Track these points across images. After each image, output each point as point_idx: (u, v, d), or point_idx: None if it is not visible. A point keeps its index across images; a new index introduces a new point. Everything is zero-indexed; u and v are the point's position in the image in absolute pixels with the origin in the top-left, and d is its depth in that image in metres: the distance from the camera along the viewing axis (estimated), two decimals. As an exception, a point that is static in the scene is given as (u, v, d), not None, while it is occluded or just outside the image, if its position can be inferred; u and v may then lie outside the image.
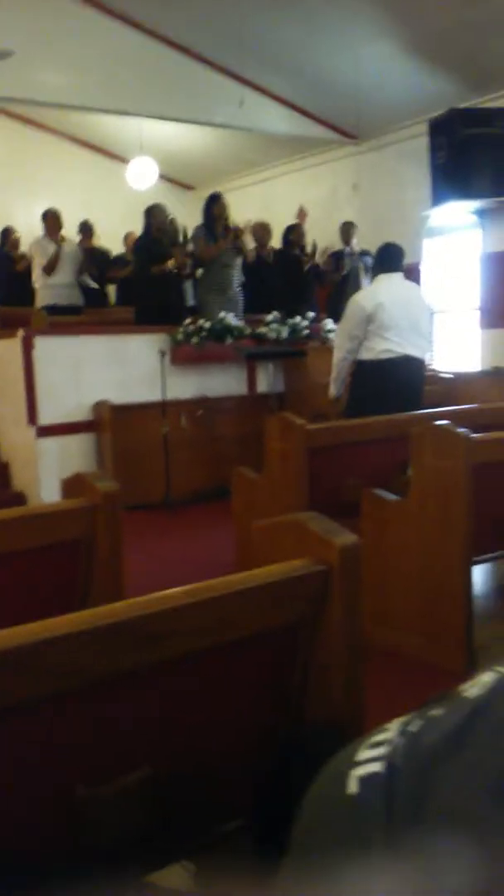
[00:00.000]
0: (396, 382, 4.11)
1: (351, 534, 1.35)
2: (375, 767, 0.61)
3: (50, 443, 5.27)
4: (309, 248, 6.84)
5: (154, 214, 6.07)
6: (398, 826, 0.55)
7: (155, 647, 1.14)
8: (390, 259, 4.26)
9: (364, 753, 0.64)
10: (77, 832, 1.17)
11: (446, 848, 0.45)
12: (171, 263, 5.97)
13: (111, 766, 1.20)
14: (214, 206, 6.03)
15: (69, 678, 1.07)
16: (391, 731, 0.63)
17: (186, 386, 5.70)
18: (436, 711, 0.60)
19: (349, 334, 4.21)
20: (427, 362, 4.39)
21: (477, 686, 0.57)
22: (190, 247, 6.22)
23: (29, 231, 7.50)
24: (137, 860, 1.31)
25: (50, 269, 6.74)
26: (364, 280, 6.58)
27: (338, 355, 4.31)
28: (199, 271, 6.23)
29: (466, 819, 0.48)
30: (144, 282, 6.09)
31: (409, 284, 4.37)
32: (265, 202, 8.93)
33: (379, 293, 4.17)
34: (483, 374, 6.43)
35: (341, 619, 1.31)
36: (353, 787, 0.63)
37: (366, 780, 0.62)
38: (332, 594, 1.31)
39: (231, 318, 5.84)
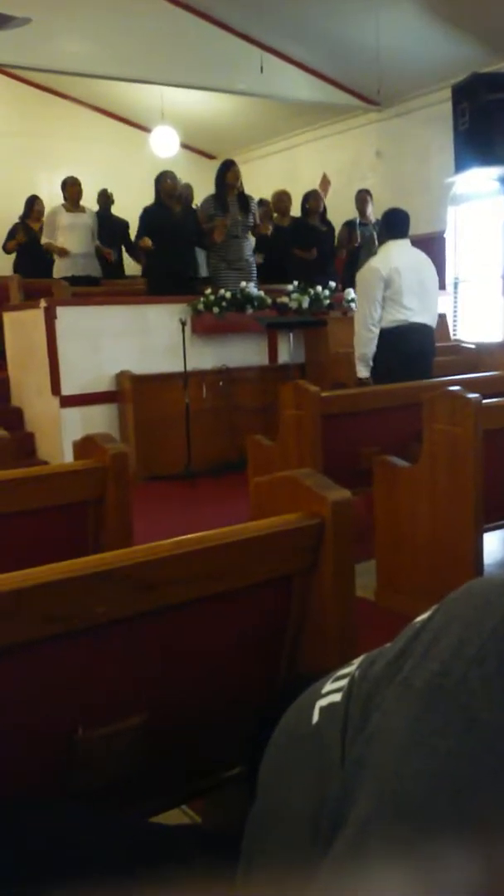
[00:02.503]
0: (411, 350, 4.09)
1: (344, 490, 1.38)
2: (335, 698, 0.65)
3: (73, 413, 5.35)
4: (335, 220, 6.80)
5: (163, 182, 6.04)
6: (347, 751, 0.59)
7: (149, 594, 1.18)
8: (398, 224, 4.17)
9: (328, 686, 0.68)
10: (74, 772, 1.23)
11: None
12: (143, 243, 5.97)
13: (109, 709, 1.25)
14: (227, 173, 6.00)
15: (66, 622, 1.13)
16: (354, 664, 0.67)
17: (207, 356, 5.74)
18: (389, 644, 0.64)
19: (370, 302, 4.07)
20: (434, 329, 4.32)
21: (425, 615, 0.61)
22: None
23: (50, 201, 7.54)
24: (135, 803, 1.37)
25: (48, 249, 6.81)
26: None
27: (361, 330, 4.14)
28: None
29: (395, 733, 0.51)
30: (154, 251, 6.07)
31: (417, 251, 4.28)
32: (287, 170, 8.87)
33: (392, 258, 4.10)
34: (506, 344, 6.37)
35: (333, 572, 1.35)
36: (315, 716, 0.67)
37: (325, 710, 0.66)
38: (324, 547, 1.35)
39: (252, 288, 5.85)
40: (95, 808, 1.23)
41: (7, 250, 7.57)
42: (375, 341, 4.10)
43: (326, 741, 0.63)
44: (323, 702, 0.67)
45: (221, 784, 1.48)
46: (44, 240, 6.83)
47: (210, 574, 1.23)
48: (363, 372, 4.15)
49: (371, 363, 4.15)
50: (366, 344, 4.11)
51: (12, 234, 7.59)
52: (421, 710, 0.49)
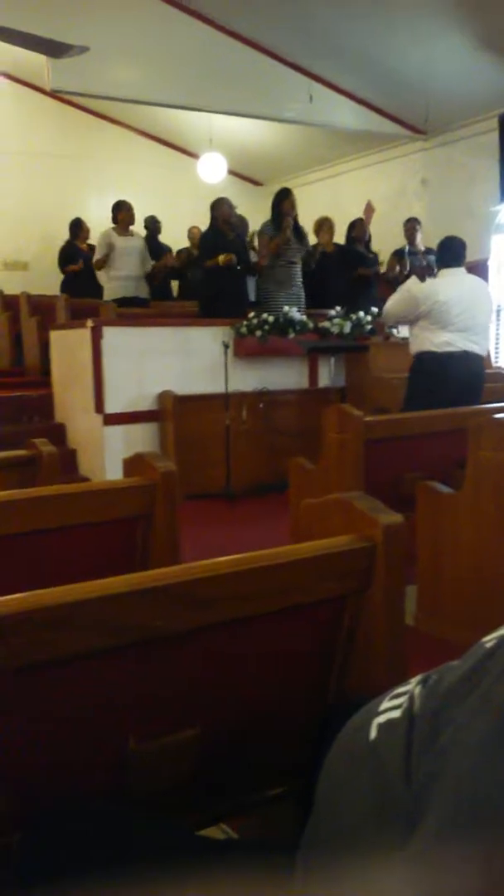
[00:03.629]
0: (455, 377, 4.10)
1: (396, 514, 1.40)
2: (394, 714, 0.67)
3: (115, 430, 5.42)
4: (380, 249, 6.86)
5: (219, 207, 6.13)
6: (414, 765, 0.61)
7: (205, 610, 1.21)
8: (451, 253, 4.23)
9: (385, 704, 0.70)
10: (124, 783, 1.25)
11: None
12: (222, 259, 6.01)
13: (161, 723, 1.27)
14: (284, 202, 6.08)
15: (120, 635, 1.15)
16: (412, 683, 0.69)
17: (248, 378, 5.78)
18: (455, 662, 0.65)
19: (398, 308, 4.34)
20: (486, 358, 4.37)
21: (495, 635, 0.62)
22: (255, 242, 6.30)
23: (99, 224, 7.70)
24: (179, 816, 1.38)
25: (99, 266, 6.94)
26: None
27: (387, 309, 4.50)
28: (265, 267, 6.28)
29: (473, 746, 0.53)
30: (207, 275, 6.17)
31: (472, 278, 4.33)
32: (333, 198, 8.95)
33: (438, 291, 4.15)
34: (549, 373, 6.31)
35: (385, 596, 1.36)
36: (373, 733, 0.68)
37: (383, 726, 0.67)
38: (376, 570, 1.36)
39: (294, 312, 5.90)
40: (141, 815, 1.24)
41: (65, 272, 7.70)
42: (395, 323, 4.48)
43: (385, 756, 0.65)
44: (381, 719, 0.68)
45: (263, 803, 1.49)
46: (98, 256, 6.97)
47: (264, 592, 1.26)
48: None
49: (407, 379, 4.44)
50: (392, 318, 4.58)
51: (70, 255, 7.72)
52: (501, 725, 0.51)
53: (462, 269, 4.26)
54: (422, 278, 4.08)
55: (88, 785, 1.25)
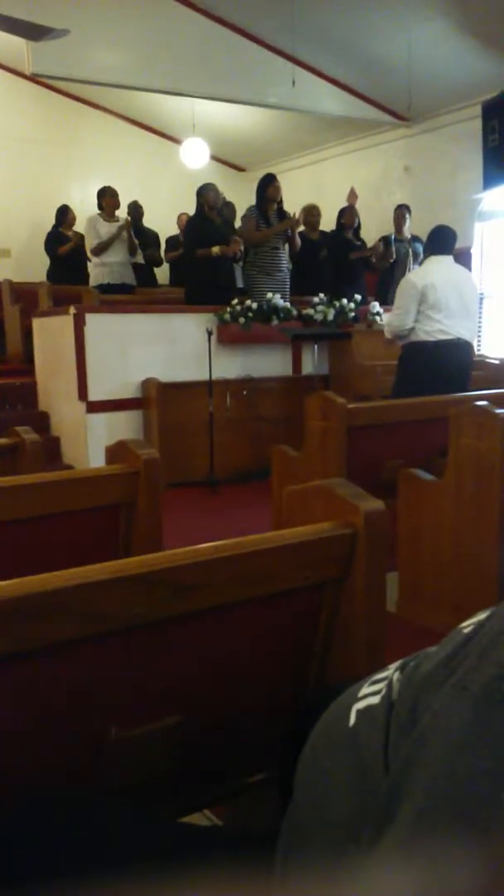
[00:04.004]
0: (447, 364, 4.15)
1: (377, 500, 1.41)
2: (373, 700, 0.67)
3: (99, 418, 5.41)
4: (363, 235, 6.84)
5: (205, 194, 6.10)
6: (392, 752, 0.61)
7: (184, 597, 1.21)
8: (441, 241, 4.27)
9: (364, 690, 0.70)
10: (105, 771, 1.26)
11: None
12: (215, 250, 5.99)
13: (142, 710, 1.28)
14: (269, 188, 6.06)
15: (101, 623, 1.15)
16: (391, 668, 0.69)
17: (232, 366, 5.78)
18: (433, 648, 0.66)
19: (403, 312, 4.22)
20: (475, 345, 4.41)
21: (473, 621, 0.63)
22: (239, 228, 6.27)
23: (82, 210, 7.64)
24: (161, 804, 1.39)
25: (99, 251, 6.88)
26: (413, 266, 6.56)
27: (388, 328, 4.37)
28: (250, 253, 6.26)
29: (450, 733, 0.54)
30: (194, 262, 6.14)
31: (459, 268, 4.38)
32: (316, 183, 8.93)
33: (430, 273, 4.20)
34: (531, 360, 6.36)
35: (365, 582, 1.37)
36: (352, 719, 0.69)
37: (362, 712, 0.68)
38: (357, 557, 1.37)
39: (278, 300, 5.89)
40: (121, 804, 1.25)
41: (61, 255, 7.61)
42: (400, 335, 4.33)
43: (363, 741, 0.65)
44: (360, 704, 0.69)
45: (245, 789, 1.51)
46: (92, 244, 6.92)
47: (247, 578, 1.26)
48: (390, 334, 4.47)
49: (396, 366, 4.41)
50: (393, 332, 4.38)
51: (58, 239, 7.64)
52: (478, 712, 0.52)
53: (450, 258, 4.29)
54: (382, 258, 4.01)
55: (69, 775, 1.26)
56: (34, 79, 8.04)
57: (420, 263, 4.54)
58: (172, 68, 6.87)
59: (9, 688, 1.12)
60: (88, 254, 7.09)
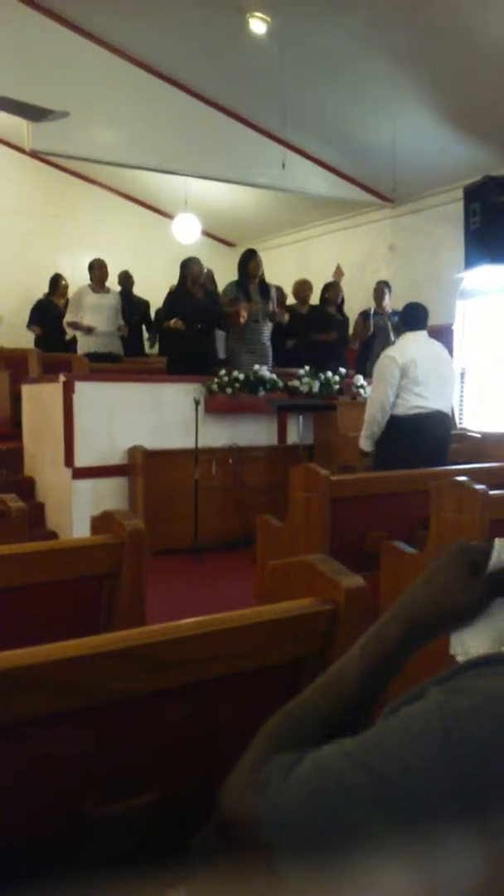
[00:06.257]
0: (427, 437, 4.22)
1: (358, 577, 1.43)
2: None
3: (84, 484, 5.42)
4: (347, 311, 7.03)
5: (190, 267, 6.25)
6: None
7: (165, 673, 1.22)
8: (415, 318, 4.41)
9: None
10: (80, 849, 1.24)
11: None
12: (172, 324, 6.08)
13: (120, 787, 1.27)
14: (250, 263, 6.23)
15: (79, 698, 1.16)
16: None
17: (218, 434, 5.84)
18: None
19: (385, 386, 4.27)
20: (452, 415, 4.50)
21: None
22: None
23: (74, 280, 7.81)
24: (141, 880, 1.37)
25: (71, 327, 7.06)
26: (394, 338, 6.73)
27: (370, 411, 4.37)
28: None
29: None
30: (170, 333, 6.25)
31: (433, 342, 4.50)
32: (303, 260, 9.18)
33: (409, 349, 4.30)
34: (512, 434, 6.47)
35: (344, 657, 1.38)
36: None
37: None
38: (337, 633, 1.39)
39: (265, 371, 6.00)
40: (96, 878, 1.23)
41: (33, 331, 7.82)
42: (383, 425, 4.32)
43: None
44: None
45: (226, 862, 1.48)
46: (69, 317, 7.05)
47: (227, 655, 1.27)
48: (367, 447, 4.44)
49: (375, 443, 4.40)
50: (375, 425, 4.36)
51: (41, 311, 7.84)
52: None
53: (424, 333, 4.42)
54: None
55: (43, 851, 1.24)
56: (32, 154, 8.31)
57: (396, 338, 4.65)
58: (167, 148, 7.14)
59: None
60: (64, 323, 7.24)
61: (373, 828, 0.64)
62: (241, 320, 6.02)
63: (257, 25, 5.86)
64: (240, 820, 0.82)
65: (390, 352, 4.44)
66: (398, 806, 0.64)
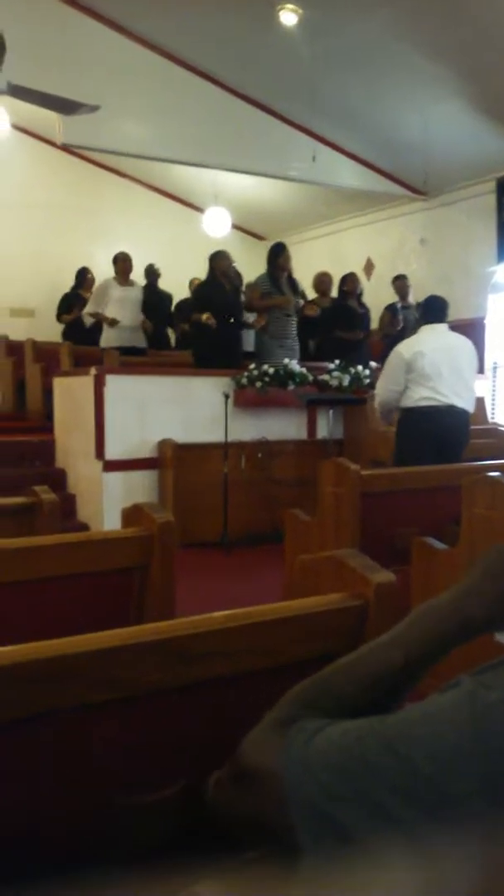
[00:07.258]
0: (437, 430, 4.17)
1: (388, 572, 1.43)
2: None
3: (115, 477, 5.46)
4: (378, 305, 6.97)
5: (218, 260, 6.25)
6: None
7: (197, 665, 1.23)
8: (433, 310, 4.36)
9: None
10: (110, 840, 1.25)
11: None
12: (205, 318, 6.07)
13: (151, 778, 1.28)
14: (279, 257, 6.21)
15: (118, 689, 1.17)
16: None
17: (247, 428, 5.84)
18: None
19: (388, 381, 4.34)
20: (471, 413, 4.43)
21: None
22: (244, 292, 6.41)
23: (103, 274, 7.86)
24: (169, 875, 1.37)
25: (91, 318, 7.10)
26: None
27: (377, 400, 4.48)
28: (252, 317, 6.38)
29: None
30: (198, 327, 6.26)
31: (455, 335, 4.42)
32: (333, 254, 9.13)
33: (419, 343, 4.28)
34: (544, 429, 6.39)
35: (375, 653, 1.38)
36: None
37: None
38: (367, 629, 1.38)
39: (294, 365, 5.99)
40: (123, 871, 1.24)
41: (62, 321, 7.88)
42: (389, 416, 4.47)
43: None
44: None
45: (247, 864, 1.48)
46: (90, 308, 7.10)
47: (256, 649, 1.28)
48: (381, 424, 4.76)
49: (389, 418, 4.53)
50: (382, 417, 4.61)
51: (68, 305, 7.91)
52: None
53: (444, 326, 4.36)
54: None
55: (71, 843, 1.25)
56: (63, 147, 8.37)
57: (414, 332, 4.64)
58: (197, 141, 7.14)
59: (18, 751, 1.13)
60: (83, 313, 7.28)
61: (390, 808, 0.64)
62: (262, 322, 6.05)
63: (288, 17, 5.84)
64: (256, 772, 0.83)
65: (400, 346, 4.41)
66: (419, 791, 0.64)
